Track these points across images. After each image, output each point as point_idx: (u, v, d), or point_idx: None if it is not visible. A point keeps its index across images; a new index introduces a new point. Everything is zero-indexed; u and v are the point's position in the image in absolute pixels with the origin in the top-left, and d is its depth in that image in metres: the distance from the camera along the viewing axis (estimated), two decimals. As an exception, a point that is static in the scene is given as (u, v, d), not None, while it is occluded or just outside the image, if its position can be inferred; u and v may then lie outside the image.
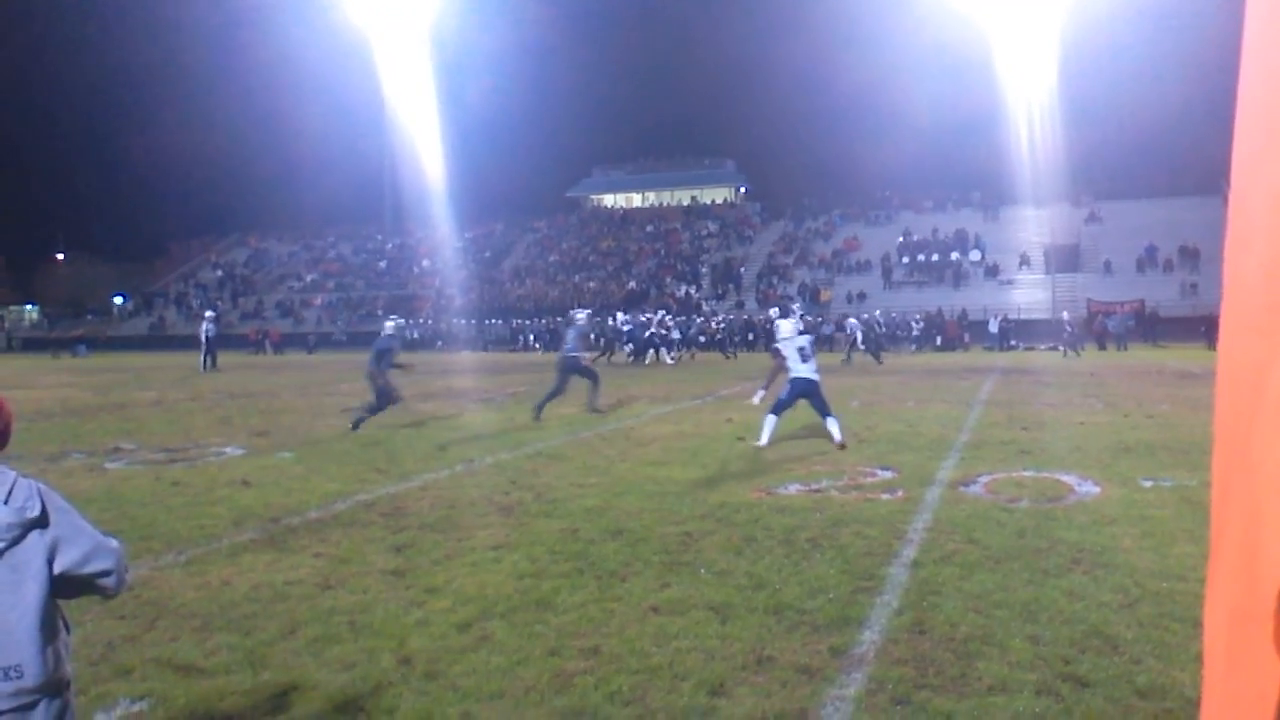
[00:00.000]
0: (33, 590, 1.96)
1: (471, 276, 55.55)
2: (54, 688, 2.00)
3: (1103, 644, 4.15)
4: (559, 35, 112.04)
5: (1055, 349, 31.18)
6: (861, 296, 45.18)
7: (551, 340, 38.01)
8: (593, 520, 6.73)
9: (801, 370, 10.22)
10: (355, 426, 12.00)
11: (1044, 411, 13.49)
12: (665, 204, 67.86)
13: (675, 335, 33.81)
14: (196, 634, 4.46)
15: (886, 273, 47.73)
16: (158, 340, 54.52)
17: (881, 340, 31.97)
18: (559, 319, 43.20)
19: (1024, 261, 46.46)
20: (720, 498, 7.47)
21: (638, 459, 9.56)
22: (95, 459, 10.12)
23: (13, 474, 2.00)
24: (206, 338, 28.88)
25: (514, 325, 46.55)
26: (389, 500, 7.61)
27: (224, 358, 32.99)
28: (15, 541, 1.95)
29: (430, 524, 6.71)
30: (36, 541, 1.98)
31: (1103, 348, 33.00)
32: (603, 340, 34.08)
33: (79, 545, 2.03)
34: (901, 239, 50.18)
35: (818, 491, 7.71)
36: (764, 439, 10.15)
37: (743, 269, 52.17)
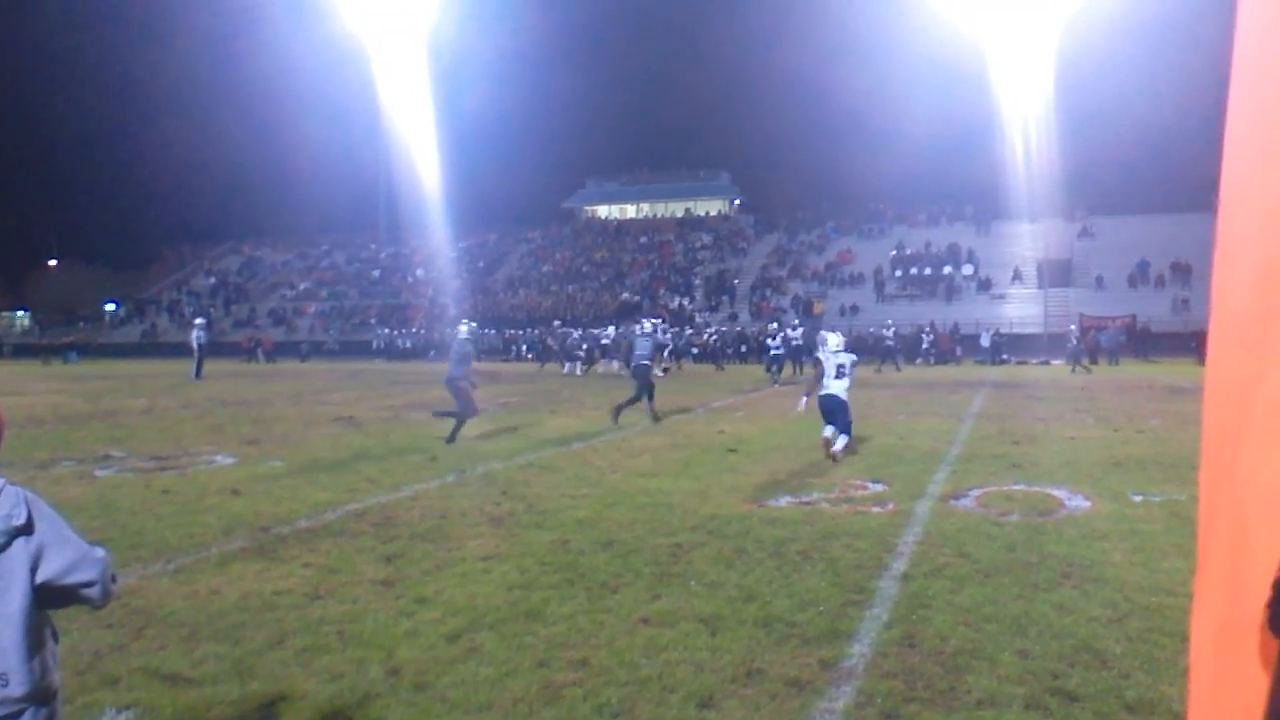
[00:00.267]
0: (18, 599, 1.94)
1: (465, 286, 55.58)
2: (41, 697, 1.97)
3: (1092, 658, 4.15)
4: (554, 47, 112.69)
5: (1070, 364, 30.80)
6: (854, 309, 45.32)
7: (544, 351, 37.89)
8: (583, 531, 6.72)
9: (831, 387, 10.15)
10: (450, 440, 11.68)
11: (1035, 426, 13.52)
12: (659, 216, 68.08)
13: (669, 346, 33.88)
14: (184, 643, 4.44)
15: (879, 286, 47.89)
16: (149, 347, 54.46)
17: (895, 352, 33.97)
18: (554, 323, 43.19)
19: (1016, 276, 46.71)
20: (711, 510, 7.46)
21: (629, 470, 9.55)
22: (85, 466, 10.07)
23: (1, 481, 1.99)
24: (198, 345, 28.79)
25: (507, 335, 46.54)
26: (379, 510, 7.58)
27: (216, 366, 32.90)
28: (0, 549, 1.94)
29: (421, 534, 6.68)
30: (21, 549, 1.95)
31: (1095, 362, 33.12)
32: (593, 351, 34.10)
33: (63, 555, 1.99)
34: (894, 252, 50.41)
35: (809, 504, 7.70)
36: (838, 445, 9.92)
37: (736, 281, 52.31)
